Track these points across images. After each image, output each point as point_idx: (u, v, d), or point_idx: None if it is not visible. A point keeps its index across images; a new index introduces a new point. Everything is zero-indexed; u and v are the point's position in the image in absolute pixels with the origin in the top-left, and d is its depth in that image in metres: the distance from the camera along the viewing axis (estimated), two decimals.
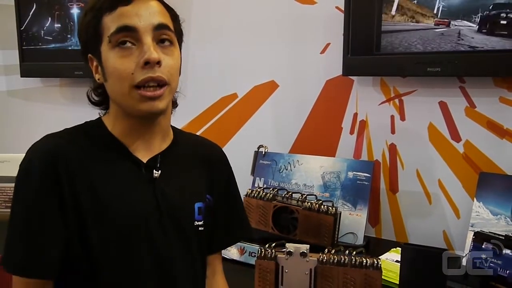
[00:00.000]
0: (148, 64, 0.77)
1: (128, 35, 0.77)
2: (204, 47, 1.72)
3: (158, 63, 0.77)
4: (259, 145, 1.54)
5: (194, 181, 0.93)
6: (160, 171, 0.86)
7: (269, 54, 1.63)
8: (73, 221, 0.80)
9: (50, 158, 0.80)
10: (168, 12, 0.83)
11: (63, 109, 2.01)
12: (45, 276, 0.80)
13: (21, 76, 1.98)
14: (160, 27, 0.79)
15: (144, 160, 0.86)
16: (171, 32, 0.81)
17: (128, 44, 0.78)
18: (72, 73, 1.84)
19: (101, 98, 0.88)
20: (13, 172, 1.99)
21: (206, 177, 0.95)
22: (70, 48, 1.89)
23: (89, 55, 0.84)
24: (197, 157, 0.95)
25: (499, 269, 0.96)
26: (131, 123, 0.84)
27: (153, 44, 0.78)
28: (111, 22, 0.78)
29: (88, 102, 0.90)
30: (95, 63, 0.83)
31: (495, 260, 0.97)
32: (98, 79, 0.84)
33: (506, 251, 0.95)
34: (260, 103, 1.67)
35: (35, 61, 1.94)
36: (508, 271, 0.94)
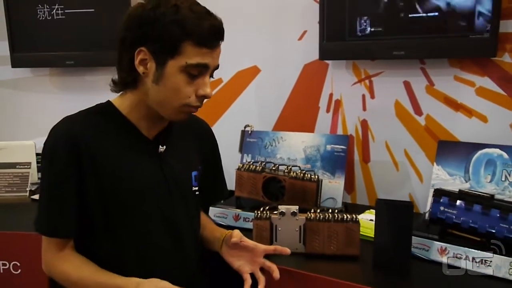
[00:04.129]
0: (204, 97, 0.95)
1: (200, 70, 0.92)
2: None
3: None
4: (246, 125, 1.68)
5: (190, 153, 1.10)
6: (164, 146, 1.02)
7: (252, 41, 1.76)
8: (93, 191, 0.94)
9: (72, 138, 0.93)
10: None
11: (54, 98, 2.08)
12: (63, 235, 0.96)
13: (12, 67, 2.01)
14: (216, 68, 0.97)
15: (150, 137, 1.01)
16: None
17: (196, 77, 0.92)
18: (63, 62, 1.91)
19: (129, 82, 0.97)
20: (10, 158, 2.09)
21: (198, 150, 1.12)
22: (62, 38, 1.94)
23: (143, 47, 0.91)
24: (190, 132, 1.12)
25: (454, 218, 1.16)
26: (149, 113, 0.98)
27: (209, 81, 0.95)
28: (193, 54, 0.90)
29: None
30: (145, 57, 0.91)
31: (451, 211, 1.16)
32: (143, 72, 0.93)
33: (459, 202, 1.15)
34: (244, 87, 1.80)
35: (26, 52, 1.96)
36: (461, 219, 1.14)
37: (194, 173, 1.08)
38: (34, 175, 1.87)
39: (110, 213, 0.95)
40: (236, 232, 1.06)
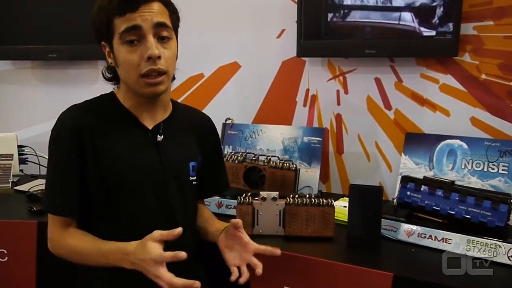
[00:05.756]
0: (151, 58, 0.97)
1: (134, 33, 0.96)
2: None
3: (159, 57, 0.98)
4: (227, 118, 1.75)
5: (188, 144, 1.15)
6: (162, 136, 1.08)
7: (232, 38, 1.84)
8: (94, 174, 1.01)
9: (76, 124, 1.01)
10: (167, 9, 1.02)
11: (36, 90, 2.09)
12: (67, 214, 1.02)
13: None
14: (159, 25, 0.98)
15: (150, 127, 1.08)
16: (168, 28, 1.00)
17: (135, 42, 0.97)
18: (46, 55, 1.93)
19: (112, 76, 1.09)
20: None
21: (198, 142, 1.17)
22: (44, 31, 1.94)
23: (102, 42, 1.03)
24: (191, 125, 1.17)
25: (419, 201, 1.27)
26: (138, 99, 1.05)
27: (154, 41, 0.97)
28: (121, 24, 0.97)
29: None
30: (107, 49, 1.03)
31: (416, 195, 1.28)
32: (111, 63, 1.04)
33: (424, 188, 1.27)
34: (225, 82, 1.88)
35: (7, 44, 1.96)
36: (426, 202, 1.26)
37: (192, 164, 1.12)
38: (16, 167, 1.88)
39: (108, 195, 1.02)
40: (239, 220, 1.10)
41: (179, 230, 0.90)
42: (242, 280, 1.05)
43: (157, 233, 0.91)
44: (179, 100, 1.91)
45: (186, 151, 1.12)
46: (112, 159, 1.01)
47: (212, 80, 1.90)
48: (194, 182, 1.13)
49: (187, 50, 1.93)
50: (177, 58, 1.06)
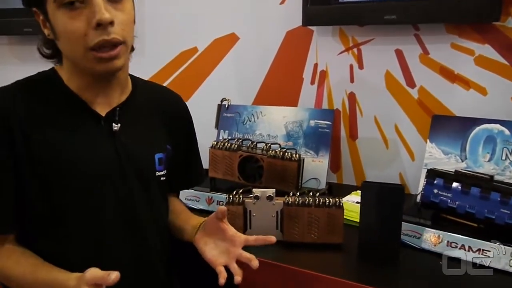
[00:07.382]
0: (101, 25, 0.75)
1: None
2: (161, 1, 1.68)
3: (111, 23, 0.75)
4: (222, 98, 1.55)
5: (154, 132, 0.95)
6: (119, 124, 0.87)
7: (229, 6, 1.62)
8: (31, 176, 0.80)
9: (3, 112, 0.79)
10: None
11: (14, 68, 1.91)
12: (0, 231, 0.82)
13: None
14: None
15: (103, 114, 0.86)
16: None
17: (76, 4, 0.74)
18: (21, 30, 1.76)
19: (52, 52, 0.86)
20: None
21: (166, 128, 0.97)
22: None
23: (34, 8, 0.80)
24: (157, 108, 0.96)
25: (449, 202, 1.04)
26: (88, 79, 0.83)
27: (103, 2, 0.75)
28: None
29: (39, 57, 0.87)
30: (41, 17, 0.80)
31: (446, 194, 1.05)
32: (48, 35, 0.81)
33: (455, 185, 1.03)
34: (221, 56, 1.67)
35: None
36: (457, 203, 1.03)
37: (158, 156, 0.93)
38: None
39: (50, 201, 0.82)
40: (224, 207, 0.92)
41: (116, 274, 0.70)
42: (237, 280, 0.86)
43: (89, 275, 0.72)
44: (170, 79, 1.75)
45: (150, 141, 0.93)
46: (53, 156, 0.81)
47: (206, 55, 1.69)
48: (162, 178, 0.94)
49: (178, 21, 1.74)
50: (135, 22, 0.83)
